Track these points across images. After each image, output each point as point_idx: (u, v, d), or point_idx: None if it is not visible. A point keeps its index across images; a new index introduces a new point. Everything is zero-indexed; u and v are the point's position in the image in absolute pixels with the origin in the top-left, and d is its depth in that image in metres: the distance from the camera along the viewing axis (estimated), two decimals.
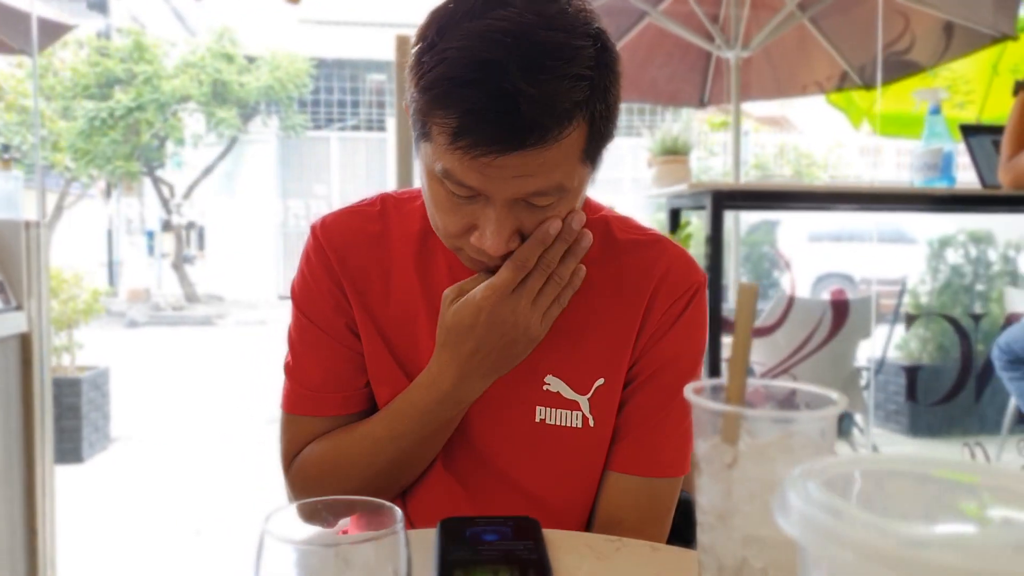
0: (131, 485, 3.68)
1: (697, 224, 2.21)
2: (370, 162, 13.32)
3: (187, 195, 12.21)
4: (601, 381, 0.85)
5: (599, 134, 0.74)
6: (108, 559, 2.84)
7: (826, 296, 2.46)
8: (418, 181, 0.82)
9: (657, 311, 0.85)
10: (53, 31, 3.68)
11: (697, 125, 9.77)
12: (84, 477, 3.79)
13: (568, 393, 0.85)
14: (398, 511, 0.50)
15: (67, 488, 3.62)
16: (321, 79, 12.92)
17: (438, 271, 0.87)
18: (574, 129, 0.70)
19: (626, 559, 0.69)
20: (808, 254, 8.04)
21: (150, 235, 13.37)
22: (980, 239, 4.89)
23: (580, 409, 0.85)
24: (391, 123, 13.46)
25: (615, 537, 0.74)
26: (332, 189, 12.79)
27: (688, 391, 0.55)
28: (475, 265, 0.80)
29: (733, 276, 3.67)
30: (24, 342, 1.96)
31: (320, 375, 0.87)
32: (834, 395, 0.54)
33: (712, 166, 11.14)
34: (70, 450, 3.95)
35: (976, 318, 2.60)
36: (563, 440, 0.85)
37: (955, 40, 3.68)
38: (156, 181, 12.16)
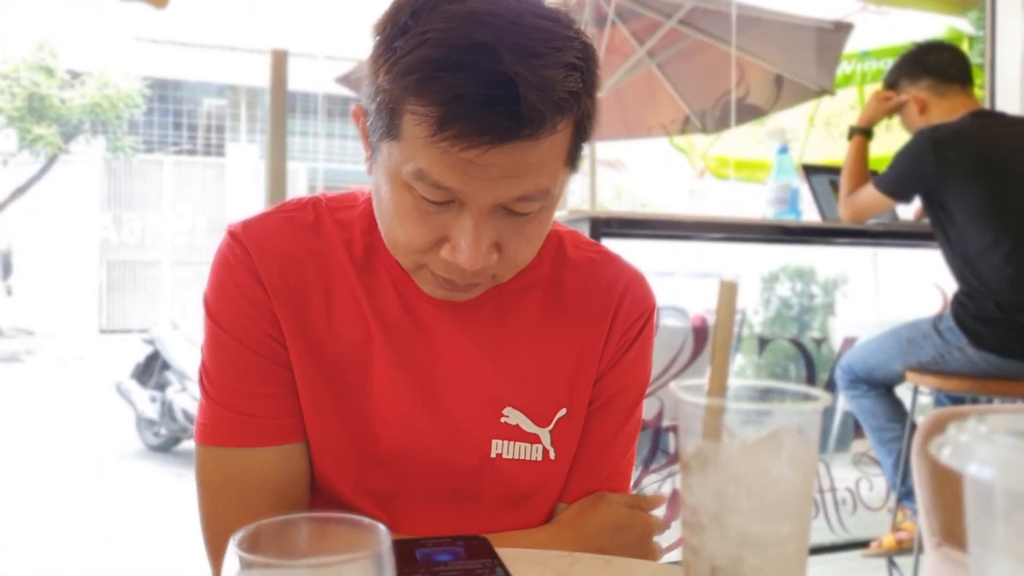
0: None
1: None
2: (206, 187, 12.61)
3: None
4: (563, 412, 0.81)
5: (582, 136, 0.69)
6: None
7: (683, 323, 2.60)
8: (362, 187, 0.75)
9: (617, 333, 0.82)
10: None
11: None
12: None
13: (528, 426, 0.79)
14: (383, 528, 0.45)
15: None
16: (155, 100, 12.14)
17: (384, 291, 0.78)
18: (565, 125, 0.65)
19: (583, 573, 0.66)
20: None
21: None
22: (803, 274, 5.39)
23: (540, 442, 0.80)
24: (231, 148, 12.86)
25: (564, 552, 0.71)
26: (163, 214, 11.97)
27: (674, 387, 0.53)
28: (439, 288, 0.72)
29: None
30: None
31: (263, 401, 0.75)
32: (816, 392, 0.55)
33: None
34: None
35: (818, 342, 2.84)
36: (521, 475, 0.80)
37: (785, 91, 4.06)
38: None
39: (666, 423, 2.38)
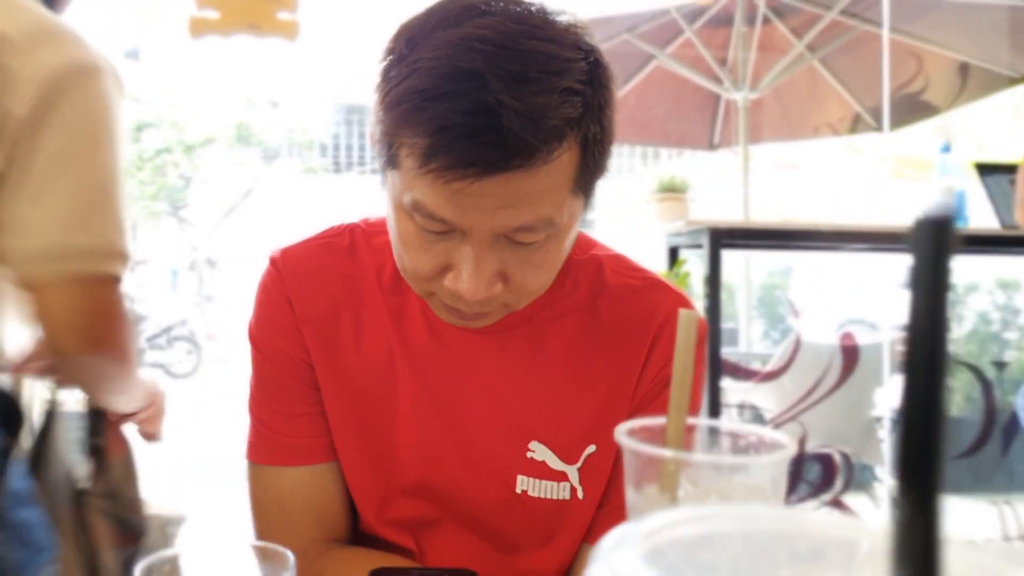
0: None
1: (696, 263, 2.16)
2: None
3: (209, 235, 12.38)
4: (592, 448, 0.76)
5: (593, 160, 0.65)
6: None
7: (835, 340, 2.36)
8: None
9: (655, 364, 0.76)
10: None
11: (705, 167, 9.75)
12: None
13: (555, 463, 0.76)
14: (291, 556, 0.44)
15: None
16: (342, 124, 13.14)
17: (412, 316, 0.77)
18: (564, 151, 0.61)
19: None
20: (830, 298, 7.88)
21: (175, 272, 13.50)
22: (1008, 285, 4.76)
23: (568, 480, 0.76)
24: None
25: None
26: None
27: (620, 433, 0.48)
28: (450, 315, 0.70)
29: (744, 320, 3.58)
30: None
31: (295, 421, 0.77)
32: (783, 438, 0.47)
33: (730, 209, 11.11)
34: None
35: (1000, 366, 2.49)
36: (547, 513, 0.76)
37: (971, 81, 3.62)
38: (180, 221, 12.34)
39: (810, 448, 2.17)
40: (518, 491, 0.76)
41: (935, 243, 0.22)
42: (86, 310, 0.86)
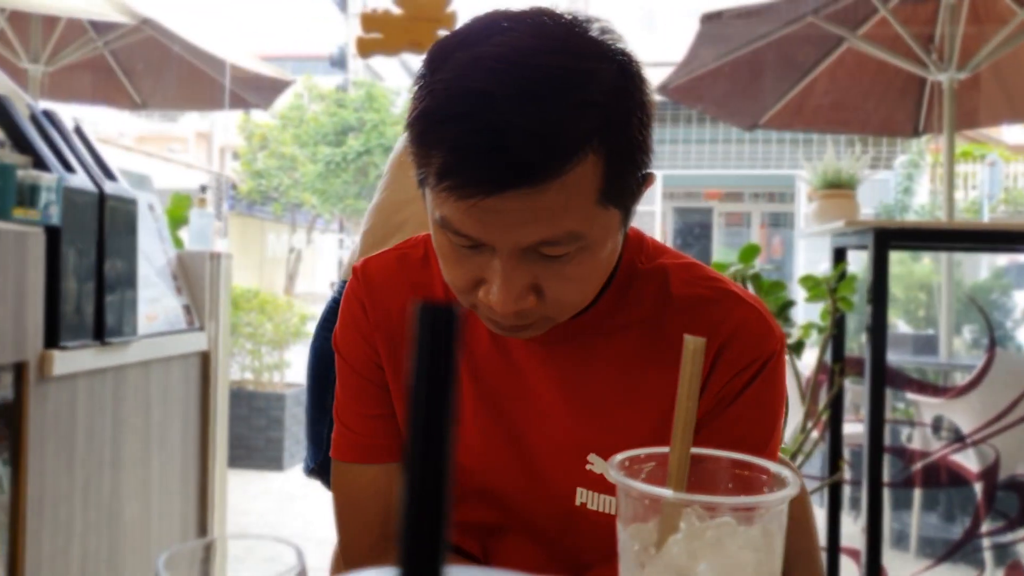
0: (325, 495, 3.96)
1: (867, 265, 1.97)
2: None
3: None
4: (652, 464, 0.75)
5: (621, 172, 0.64)
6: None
7: None
8: None
9: (717, 382, 0.73)
10: (276, 87, 4.19)
11: (922, 156, 8.80)
12: (283, 484, 4.15)
13: None
14: (296, 551, 0.48)
15: (267, 493, 3.99)
16: None
17: (476, 326, 0.78)
18: (579, 164, 0.61)
19: None
20: None
21: None
22: None
23: None
24: None
25: None
26: None
27: (613, 467, 0.46)
28: (493, 326, 0.72)
29: (945, 328, 3.21)
30: (204, 359, 2.20)
31: (370, 422, 0.82)
32: (789, 475, 0.43)
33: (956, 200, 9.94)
34: (273, 459, 4.36)
35: None
36: (607, 527, 0.76)
37: None
38: None
39: (1003, 475, 1.91)
40: (577, 503, 0.76)
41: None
42: None
